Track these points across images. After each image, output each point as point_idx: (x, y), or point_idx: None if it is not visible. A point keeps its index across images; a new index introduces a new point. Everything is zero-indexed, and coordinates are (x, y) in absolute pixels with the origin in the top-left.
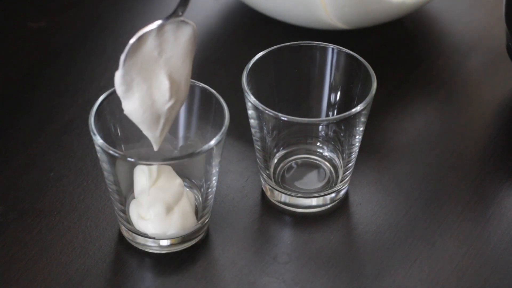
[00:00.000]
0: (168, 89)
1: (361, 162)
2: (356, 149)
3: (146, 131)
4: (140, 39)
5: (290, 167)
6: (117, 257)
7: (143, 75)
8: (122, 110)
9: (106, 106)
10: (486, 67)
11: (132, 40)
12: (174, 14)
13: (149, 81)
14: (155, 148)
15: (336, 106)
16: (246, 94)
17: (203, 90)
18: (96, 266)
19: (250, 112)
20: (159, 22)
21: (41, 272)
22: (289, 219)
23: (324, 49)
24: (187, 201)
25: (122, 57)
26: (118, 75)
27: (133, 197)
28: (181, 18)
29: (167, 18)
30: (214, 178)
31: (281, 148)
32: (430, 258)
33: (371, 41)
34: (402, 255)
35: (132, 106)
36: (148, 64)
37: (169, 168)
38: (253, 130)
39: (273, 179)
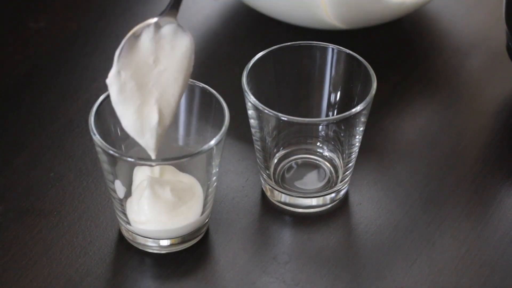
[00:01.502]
0: (157, 121)
1: (361, 162)
2: (356, 149)
3: (139, 140)
4: (137, 37)
5: (290, 167)
6: (117, 257)
7: (136, 83)
8: None
9: (106, 106)
10: (486, 67)
11: (128, 35)
12: (168, 11)
13: (141, 98)
14: (152, 156)
15: (336, 106)
16: (246, 94)
17: (203, 90)
18: (96, 266)
19: (250, 112)
20: (155, 19)
21: (41, 272)
22: (289, 219)
23: (324, 49)
24: (192, 201)
25: (117, 52)
26: (111, 73)
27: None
28: (178, 23)
29: (161, 14)
30: (214, 178)
31: (281, 148)
32: (430, 258)
33: (371, 41)
34: (402, 255)
35: (126, 117)
36: (142, 71)
37: (172, 168)
38: (253, 130)
39: (273, 179)
